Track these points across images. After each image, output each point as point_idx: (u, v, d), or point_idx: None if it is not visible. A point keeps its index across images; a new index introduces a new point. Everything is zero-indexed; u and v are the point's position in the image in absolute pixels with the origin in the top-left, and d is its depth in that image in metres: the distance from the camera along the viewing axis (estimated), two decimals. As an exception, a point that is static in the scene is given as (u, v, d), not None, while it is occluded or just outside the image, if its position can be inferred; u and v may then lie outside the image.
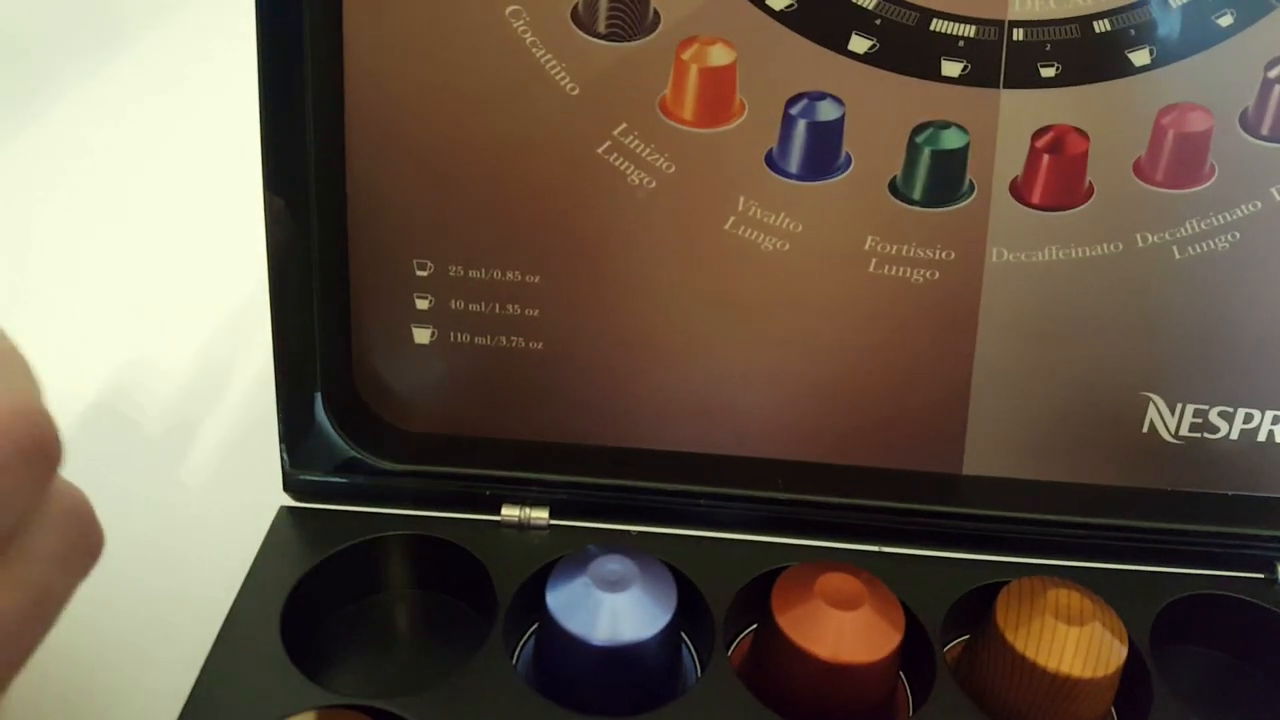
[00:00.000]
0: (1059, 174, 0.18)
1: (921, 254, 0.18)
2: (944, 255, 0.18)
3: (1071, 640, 0.16)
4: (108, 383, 0.26)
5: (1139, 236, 0.18)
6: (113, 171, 0.36)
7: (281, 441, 0.19)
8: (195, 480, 0.24)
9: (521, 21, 0.17)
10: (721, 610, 0.18)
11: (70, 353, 0.27)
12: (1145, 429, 0.19)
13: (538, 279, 0.19)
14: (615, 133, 0.18)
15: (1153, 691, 0.17)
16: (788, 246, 0.19)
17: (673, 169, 0.18)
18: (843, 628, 0.16)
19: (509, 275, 0.19)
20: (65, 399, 0.26)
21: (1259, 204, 0.18)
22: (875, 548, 0.19)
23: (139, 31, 0.46)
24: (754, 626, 0.18)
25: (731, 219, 0.18)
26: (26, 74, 0.42)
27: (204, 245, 0.30)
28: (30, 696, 0.19)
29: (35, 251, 0.31)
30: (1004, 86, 0.17)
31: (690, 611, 0.18)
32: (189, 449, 0.24)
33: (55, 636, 0.19)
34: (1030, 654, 0.16)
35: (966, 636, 0.18)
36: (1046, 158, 0.18)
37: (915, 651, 0.17)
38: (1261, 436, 0.19)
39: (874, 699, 0.16)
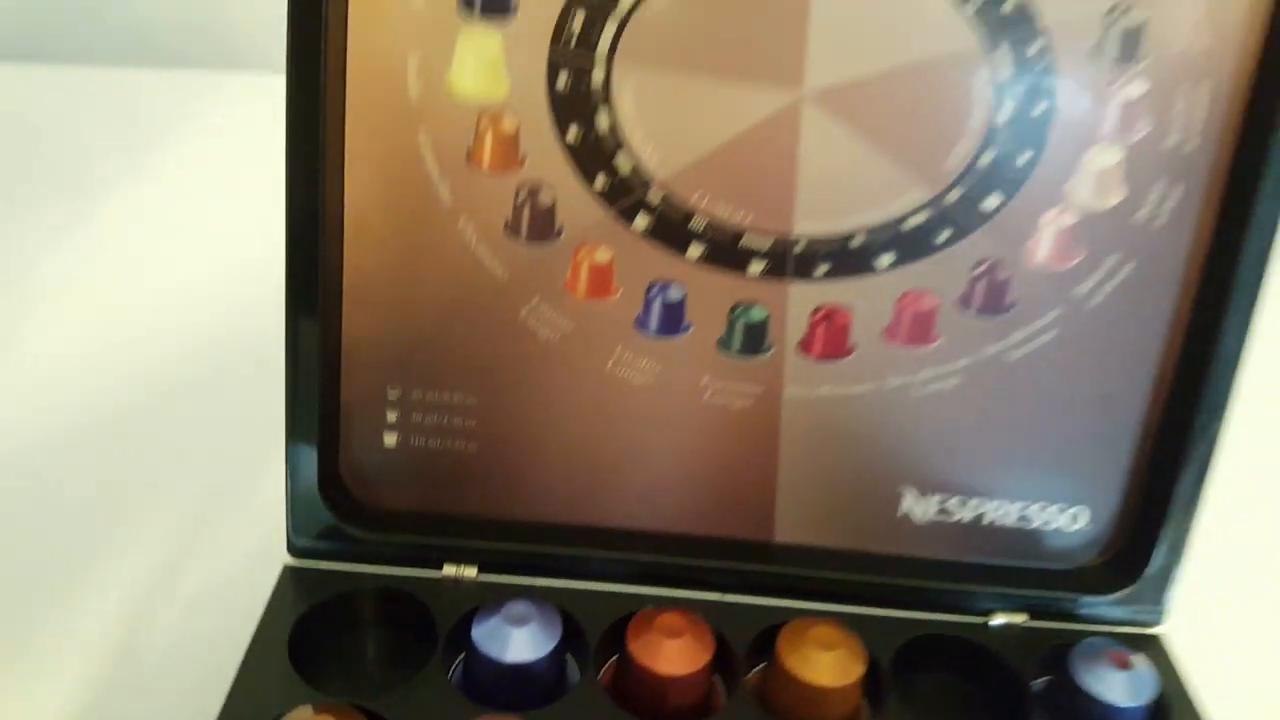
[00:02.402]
0: (830, 338, 0.26)
1: (739, 389, 0.26)
2: (754, 390, 0.26)
3: (825, 661, 0.23)
4: (143, 450, 0.34)
5: (888, 380, 0.26)
6: (142, 272, 0.44)
7: (287, 517, 0.27)
8: (214, 542, 0.31)
9: (468, 229, 0.25)
10: (595, 640, 0.25)
11: (109, 440, 0.35)
12: (901, 513, 0.27)
13: (476, 400, 0.27)
14: (531, 304, 0.26)
15: (887, 701, 0.24)
16: (650, 381, 0.26)
17: (571, 327, 0.26)
18: (671, 650, 0.23)
19: (456, 397, 0.27)
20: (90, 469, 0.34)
21: (973, 358, 0.26)
22: (706, 595, 0.27)
23: (168, 134, 0.54)
24: (616, 655, 0.25)
25: (611, 362, 0.26)
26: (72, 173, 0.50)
27: (232, 348, 0.38)
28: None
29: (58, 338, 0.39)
30: (792, 279, 0.25)
31: (574, 641, 0.25)
32: (204, 523, 0.32)
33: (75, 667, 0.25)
34: (796, 670, 0.23)
35: (765, 663, 0.26)
36: (821, 327, 0.26)
37: (727, 669, 0.25)
38: (986, 520, 0.27)
39: (693, 700, 0.24)
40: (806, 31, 0.23)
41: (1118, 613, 0.27)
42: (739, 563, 0.27)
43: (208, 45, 0.65)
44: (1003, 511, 0.27)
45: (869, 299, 0.25)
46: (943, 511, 0.27)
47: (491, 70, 0.23)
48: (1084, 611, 0.27)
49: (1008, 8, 0.23)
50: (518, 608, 0.24)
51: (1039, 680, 0.26)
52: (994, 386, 0.26)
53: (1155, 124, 0.24)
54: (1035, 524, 0.27)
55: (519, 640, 0.24)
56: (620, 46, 0.23)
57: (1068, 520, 0.27)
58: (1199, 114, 0.24)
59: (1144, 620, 0.27)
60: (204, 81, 0.61)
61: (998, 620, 0.27)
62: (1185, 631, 0.27)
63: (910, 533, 0.27)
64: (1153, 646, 0.27)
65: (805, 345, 0.26)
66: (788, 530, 0.27)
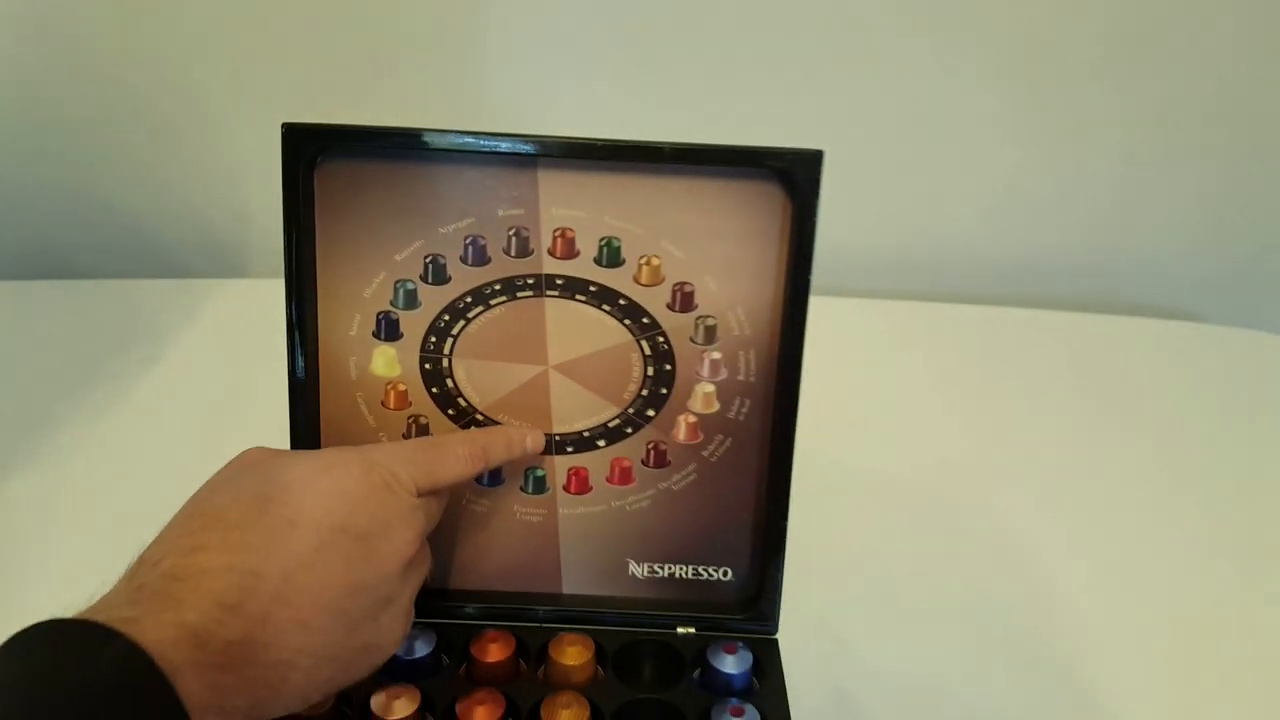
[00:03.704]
0: (579, 483, 0.48)
1: (534, 511, 0.49)
2: (542, 512, 0.49)
3: (570, 651, 0.46)
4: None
5: (612, 503, 0.48)
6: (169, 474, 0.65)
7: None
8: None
9: (384, 438, 0.47)
10: (458, 647, 0.47)
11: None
12: (631, 573, 0.49)
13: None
14: (420, 471, 0.48)
15: (609, 672, 0.46)
16: (485, 510, 0.49)
17: (444, 481, 0.48)
18: (490, 648, 0.46)
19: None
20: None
21: (655, 490, 0.48)
22: (523, 624, 0.49)
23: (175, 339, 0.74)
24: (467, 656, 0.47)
25: (464, 500, 0.49)
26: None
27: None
28: None
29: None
30: (556, 455, 0.48)
31: (446, 648, 0.47)
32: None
33: None
34: (555, 657, 0.45)
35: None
36: (574, 477, 0.48)
37: (528, 660, 0.47)
38: (676, 575, 0.49)
39: (505, 675, 0.46)
40: (546, 336, 0.46)
41: (750, 627, 0.49)
42: (541, 605, 0.49)
43: (205, 257, 0.85)
44: (685, 570, 0.49)
45: (596, 462, 0.48)
46: (652, 571, 0.49)
47: (391, 364, 0.46)
48: (729, 626, 0.49)
49: (645, 320, 0.46)
50: (414, 630, 0.46)
51: (696, 666, 0.48)
52: (669, 504, 0.48)
53: (730, 370, 0.47)
54: (704, 577, 0.49)
55: (414, 646, 0.46)
56: (455, 349, 0.46)
57: (720, 575, 0.49)
58: (754, 363, 0.47)
59: (765, 630, 0.49)
60: (202, 289, 0.78)
61: (680, 631, 0.49)
62: (788, 636, 0.49)
63: (635, 583, 0.49)
64: (770, 645, 0.48)
65: (567, 487, 0.48)
66: (569, 585, 0.50)
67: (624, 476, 0.48)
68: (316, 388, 0.46)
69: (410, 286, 0.45)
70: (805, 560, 0.49)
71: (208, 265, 0.85)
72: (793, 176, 0.44)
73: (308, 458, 0.40)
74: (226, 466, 0.40)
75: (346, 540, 0.37)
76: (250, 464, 0.39)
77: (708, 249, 0.45)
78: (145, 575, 0.34)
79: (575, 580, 0.50)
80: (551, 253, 0.45)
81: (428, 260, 0.45)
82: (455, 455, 0.43)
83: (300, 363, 0.45)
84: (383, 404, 0.47)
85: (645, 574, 0.49)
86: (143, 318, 0.75)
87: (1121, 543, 0.62)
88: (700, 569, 0.49)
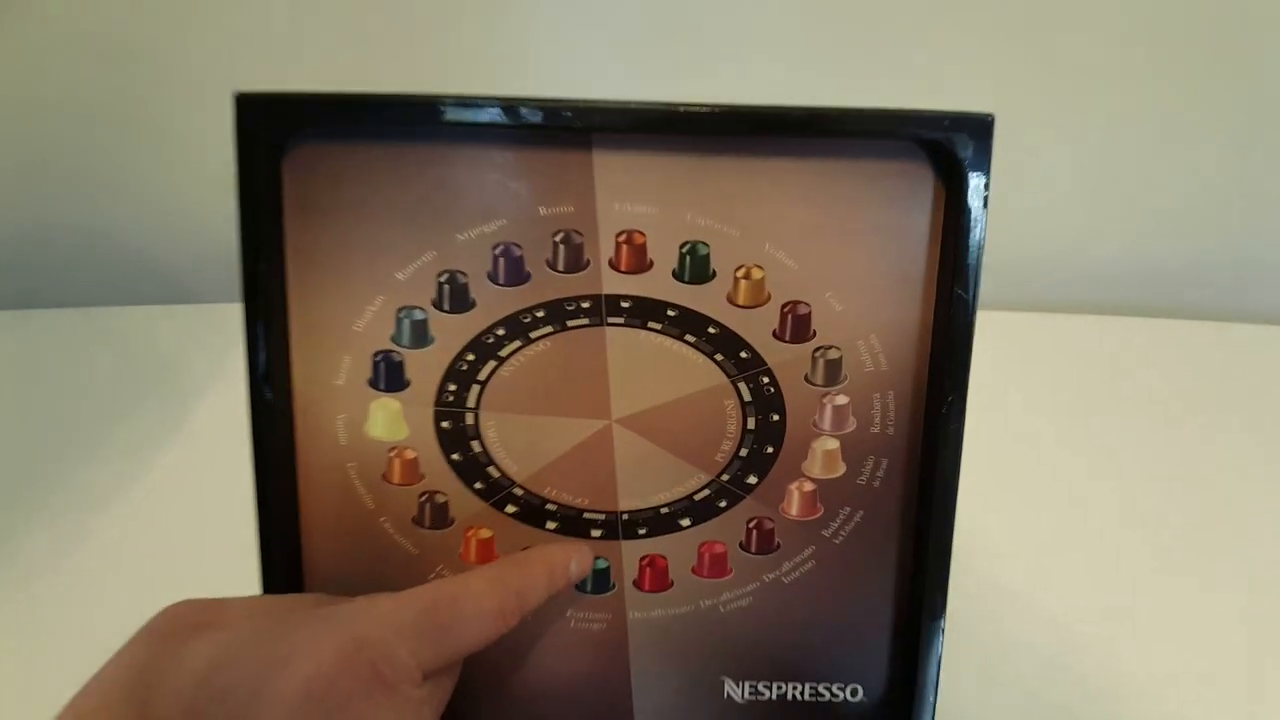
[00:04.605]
0: (655, 577, 0.36)
1: (594, 616, 0.36)
2: (605, 617, 0.36)
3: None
4: None
5: (701, 602, 0.36)
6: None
7: None
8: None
9: (387, 524, 0.35)
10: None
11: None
12: (726, 695, 0.37)
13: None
14: (438, 570, 0.35)
15: None
16: (530, 616, 0.36)
17: (470, 578, 0.36)
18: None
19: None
20: None
21: (758, 583, 0.36)
22: None
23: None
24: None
25: (501, 603, 0.36)
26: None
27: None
28: None
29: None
30: (622, 539, 0.35)
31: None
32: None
33: None
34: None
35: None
36: (648, 569, 0.35)
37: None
38: (788, 697, 0.37)
39: None
40: (608, 380, 0.33)
41: (890, 761, 0.36)
42: (605, 745, 0.36)
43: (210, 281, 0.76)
44: (799, 689, 0.37)
45: (678, 548, 0.35)
46: (755, 692, 0.37)
47: (395, 422, 0.34)
48: (864, 762, 0.36)
49: (743, 355, 0.33)
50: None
51: (826, 817, 0.35)
52: (777, 602, 0.36)
53: (860, 420, 0.34)
54: (825, 698, 0.37)
55: (439, 820, 0.33)
56: (483, 400, 0.34)
57: (848, 694, 0.37)
58: (890, 411, 0.34)
59: (911, 766, 0.36)
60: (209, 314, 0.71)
61: (797, 775, 0.36)
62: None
63: (734, 710, 0.37)
64: (919, 785, 0.36)
65: (638, 583, 0.36)
66: (645, 715, 0.37)
67: (716, 567, 0.35)
68: (291, 460, 0.34)
69: (419, 316, 0.33)
70: (966, 672, 0.37)
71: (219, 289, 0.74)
72: (951, 151, 0.32)
73: (259, 633, 0.28)
74: (136, 640, 0.28)
75: None
76: (171, 640, 0.28)
77: (828, 256, 0.33)
78: None
79: (653, 708, 0.37)
80: (614, 265, 0.33)
81: (442, 279, 0.33)
82: (478, 612, 0.31)
83: (262, 425, 0.33)
84: (384, 478, 0.34)
85: (747, 696, 0.37)
86: (156, 344, 0.67)
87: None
88: (821, 687, 0.37)
